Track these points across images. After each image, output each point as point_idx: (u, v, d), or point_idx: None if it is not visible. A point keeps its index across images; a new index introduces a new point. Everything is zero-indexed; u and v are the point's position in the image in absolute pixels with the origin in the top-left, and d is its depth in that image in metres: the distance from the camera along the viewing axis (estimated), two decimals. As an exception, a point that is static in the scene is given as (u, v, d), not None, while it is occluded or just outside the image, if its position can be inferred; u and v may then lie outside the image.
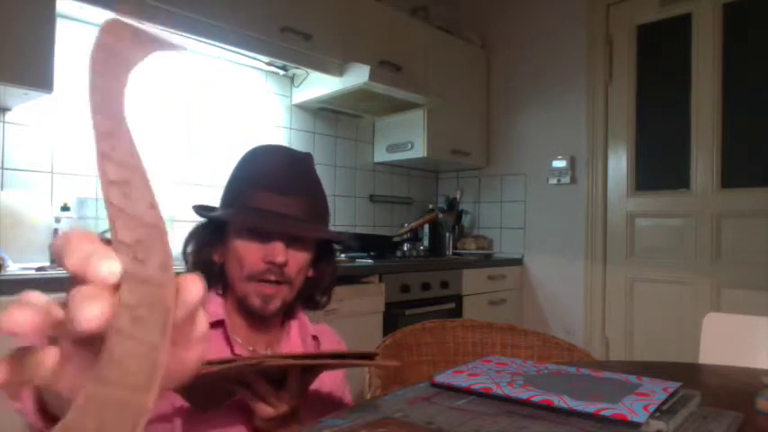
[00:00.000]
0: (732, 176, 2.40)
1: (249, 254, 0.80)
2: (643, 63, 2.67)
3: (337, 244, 0.95)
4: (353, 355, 0.73)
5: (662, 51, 2.63)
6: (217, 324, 0.81)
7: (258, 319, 0.84)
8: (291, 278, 0.82)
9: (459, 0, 3.27)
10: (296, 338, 0.89)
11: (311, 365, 0.72)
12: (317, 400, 0.84)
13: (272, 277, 0.80)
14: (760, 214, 2.31)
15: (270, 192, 0.80)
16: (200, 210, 0.87)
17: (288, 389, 0.70)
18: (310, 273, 0.88)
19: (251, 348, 0.84)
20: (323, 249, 0.89)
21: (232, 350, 0.82)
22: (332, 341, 0.96)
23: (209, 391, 0.69)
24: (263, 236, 0.79)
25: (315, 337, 0.92)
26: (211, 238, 0.84)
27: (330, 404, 0.89)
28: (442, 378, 0.77)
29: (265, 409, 0.70)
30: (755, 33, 2.36)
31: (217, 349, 0.81)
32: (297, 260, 0.82)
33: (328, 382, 0.88)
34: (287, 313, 0.91)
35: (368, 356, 0.72)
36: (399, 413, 0.65)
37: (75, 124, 1.86)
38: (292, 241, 0.81)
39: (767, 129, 2.32)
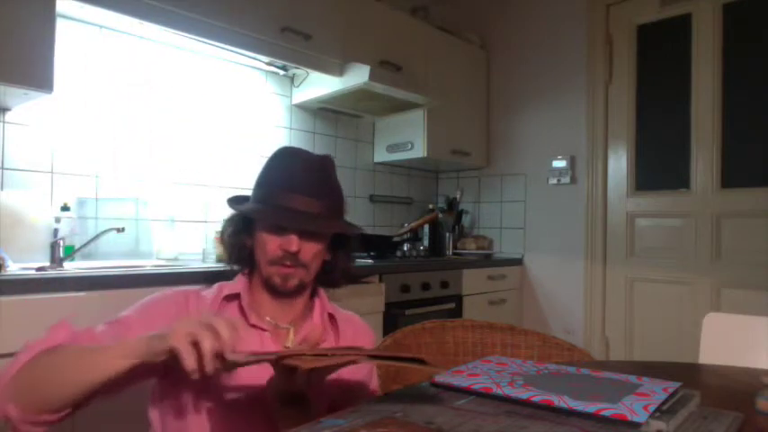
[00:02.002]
0: (732, 176, 2.40)
1: (270, 243, 0.94)
2: (643, 63, 2.67)
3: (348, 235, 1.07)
4: (405, 359, 0.79)
5: (662, 51, 2.63)
6: (235, 297, 0.97)
7: (281, 296, 0.97)
8: (306, 263, 0.95)
9: (459, 0, 3.27)
10: (318, 317, 1.01)
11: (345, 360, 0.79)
12: (345, 385, 0.95)
13: (288, 263, 0.93)
14: (760, 214, 2.31)
15: (289, 192, 0.94)
16: (231, 203, 1.01)
17: (320, 372, 0.79)
18: (328, 256, 1.01)
19: (268, 319, 0.96)
20: (338, 238, 1.02)
21: (247, 320, 0.94)
22: (355, 331, 1.05)
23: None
24: (280, 229, 0.94)
25: (331, 315, 1.03)
26: (243, 226, 1.00)
27: (358, 390, 0.99)
28: (442, 378, 0.77)
29: (294, 383, 0.78)
30: (755, 33, 2.36)
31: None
32: (310, 248, 0.95)
33: (356, 369, 0.98)
34: (312, 293, 1.04)
35: (419, 361, 0.76)
36: (399, 413, 0.65)
37: (75, 124, 1.86)
38: (305, 233, 0.94)
39: (767, 129, 2.32)
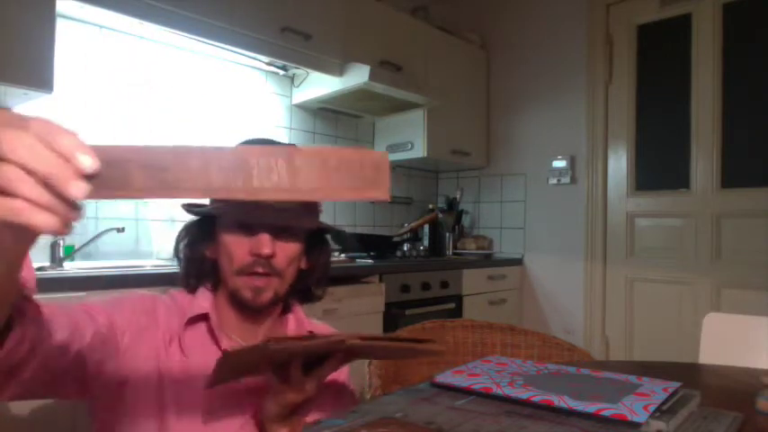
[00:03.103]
0: (732, 176, 2.40)
1: (237, 247, 0.80)
2: (643, 63, 2.67)
3: (326, 233, 0.94)
4: (407, 340, 0.74)
5: (662, 51, 2.63)
6: (202, 318, 0.83)
7: (251, 313, 0.84)
8: (281, 270, 0.81)
9: (459, 0, 3.27)
10: (293, 334, 0.90)
11: (369, 349, 0.72)
12: (331, 390, 0.86)
13: (261, 269, 0.80)
14: (760, 214, 2.31)
15: None
16: (189, 207, 0.88)
17: (315, 375, 0.72)
18: (303, 264, 0.88)
19: (239, 341, 0.84)
20: (314, 240, 0.89)
21: (217, 344, 0.82)
22: None
23: (235, 366, 0.70)
24: (249, 229, 0.80)
25: (311, 333, 0.92)
26: (202, 234, 0.86)
27: (345, 395, 0.91)
28: (442, 378, 0.77)
29: (288, 395, 0.71)
30: (755, 33, 2.36)
31: (201, 342, 0.82)
32: (285, 251, 0.81)
33: (342, 372, 0.89)
34: (283, 308, 0.91)
35: (418, 342, 0.73)
36: (399, 413, 0.65)
37: (75, 124, 1.86)
38: (279, 232, 0.81)
39: (767, 129, 2.32)
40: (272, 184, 0.41)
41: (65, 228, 0.36)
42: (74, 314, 0.69)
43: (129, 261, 1.85)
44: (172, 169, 0.39)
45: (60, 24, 1.64)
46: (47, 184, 0.35)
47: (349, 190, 0.42)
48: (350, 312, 1.92)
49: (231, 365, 0.68)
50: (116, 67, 1.95)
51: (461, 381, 0.75)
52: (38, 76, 1.47)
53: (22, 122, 0.36)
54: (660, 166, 2.62)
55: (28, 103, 1.69)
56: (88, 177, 0.36)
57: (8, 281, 0.46)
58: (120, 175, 0.38)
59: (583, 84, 2.79)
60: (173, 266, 1.73)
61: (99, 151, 0.37)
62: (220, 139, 2.27)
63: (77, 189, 0.35)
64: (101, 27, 1.90)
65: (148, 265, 1.78)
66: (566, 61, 2.86)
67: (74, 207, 0.37)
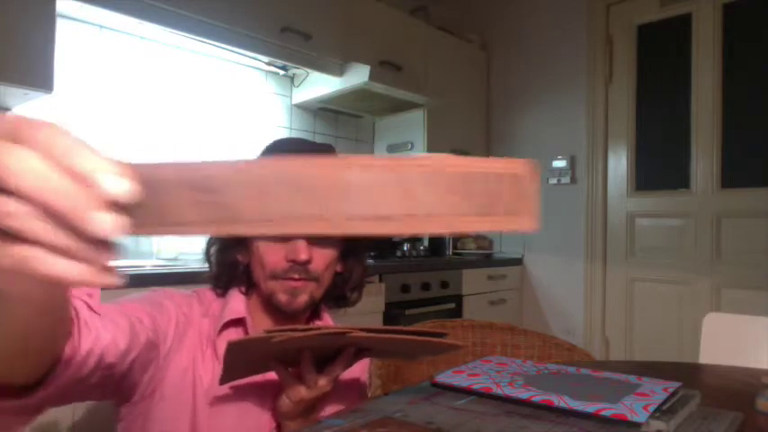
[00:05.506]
0: (732, 176, 2.40)
1: (271, 253, 0.78)
2: (643, 63, 2.67)
3: (366, 238, 0.92)
4: (422, 333, 0.71)
5: (662, 51, 2.63)
6: (237, 322, 0.81)
7: (285, 319, 0.83)
8: (317, 275, 0.80)
9: (459, 0, 3.27)
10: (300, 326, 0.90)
11: (378, 344, 0.70)
12: (345, 385, 0.84)
13: (296, 275, 0.78)
14: (760, 214, 2.31)
15: None
16: None
17: (328, 372, 0.70)
18: (339, 268, 0.87)
19: None
20: (351, 244, 0.87)
21: None
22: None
23: (245, 362, 0.69)
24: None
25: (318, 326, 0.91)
26: (233, 239, 0.83)
27: (357, 390, 0.89)
28: (442, 378, 0.77)
29: (300, 392, 0.70)
30: (755, 33, 2.36)
31: None
32: (322, 257, 0.80)
33: (357, 368, 0.87)
34: (312, 313, 0.90)
35: (435, 336, 0.70)
36: (399, 413, 0.65)
37: (75, 124, 1.86)
38: (315, 237, 0.77)
39: (767, 129, 2.32)
40: (363, 211, 0.28)
41: (97, 276, 0.26)
42: (131, 317, 0.68)
43: (129, 261, 1.85)
44: (224, 192, 0.27)
45: (60, 24, 1.64)
46: (64, 220, 0.25)
47: (471, 218, 0.29)
48: (350, 312, 1.92)
49: (240, 360, 0.67)
50: (116, 67, 1.95)
51: (461, 381, 0.75)
52: (38, 76, 1.47)
53: (27, 132, 0.25)
54: (660, 166, 2.62)
55: (28, 103, 1.69)
56: (121, 208, 0.26)
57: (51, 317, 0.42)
58: (165, 203, 0.27)
59: (583, 84, 2.79)
60: (173, 266, 1.74)
61: (135, 171, 0.28)
62: (220, 140, 2.27)
63: (104, 225, 0.25)
64: (101, 27, 1.90)
65: (148, 264, 1.78)
66: (566, 61, 2.86)
67: (106, 248, 0.26)
